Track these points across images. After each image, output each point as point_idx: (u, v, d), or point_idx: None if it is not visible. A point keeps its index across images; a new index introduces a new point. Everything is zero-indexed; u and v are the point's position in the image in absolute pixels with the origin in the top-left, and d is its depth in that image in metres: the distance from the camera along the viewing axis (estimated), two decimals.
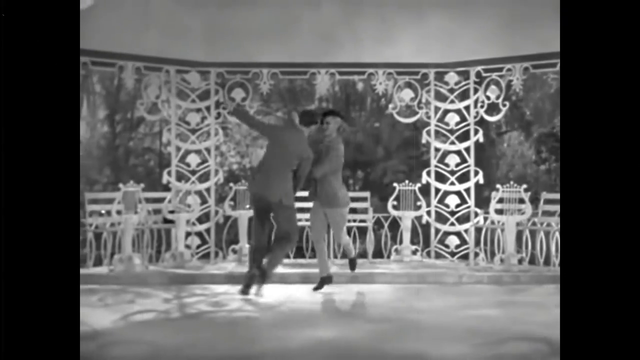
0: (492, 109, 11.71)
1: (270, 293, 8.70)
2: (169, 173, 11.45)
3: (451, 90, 11.69)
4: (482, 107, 11.43)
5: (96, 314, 7.57)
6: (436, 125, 11.82)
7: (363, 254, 12.09)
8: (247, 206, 11.25)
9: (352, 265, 9.54)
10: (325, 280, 9.10)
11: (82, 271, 10.39)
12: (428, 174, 11.85)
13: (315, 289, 9.03)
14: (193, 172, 11.52)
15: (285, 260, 11.12)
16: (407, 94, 11.79)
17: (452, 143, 11.71)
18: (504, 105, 11.27)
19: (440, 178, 11.81)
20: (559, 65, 10.48)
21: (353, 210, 11.84)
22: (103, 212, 10.67)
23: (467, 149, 11.63)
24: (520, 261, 10.46)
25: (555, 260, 10.39)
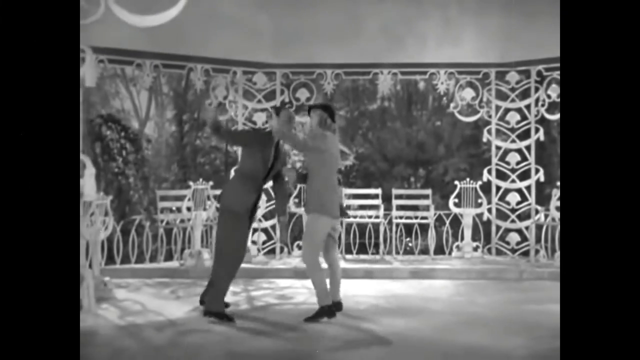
0: (554, 107, 11.78)
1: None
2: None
3: (512, 89, 11.79)
4: (543, 105, 11.52)
5: (169, 306, 7.95)
6: (497, 124, 11.92)
7: (425, 250, 12.29)
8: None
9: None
10: (324, 311, 7.00)
11: (154, 265, 10.85)
12: (489, 171, 11.96)
13: (307, 319, 7.00)
14: None
15: (349, 257, 11.41)
16: (469, 93, 11.95)
17: (513, 141, 11.81)
18: None
19: (501, 176, 11.92)
20: None
21: (415, 208, 12.05)
22: (174, 208, 11.06)
23: (528, 147, 11.72)
24: None
25: None
